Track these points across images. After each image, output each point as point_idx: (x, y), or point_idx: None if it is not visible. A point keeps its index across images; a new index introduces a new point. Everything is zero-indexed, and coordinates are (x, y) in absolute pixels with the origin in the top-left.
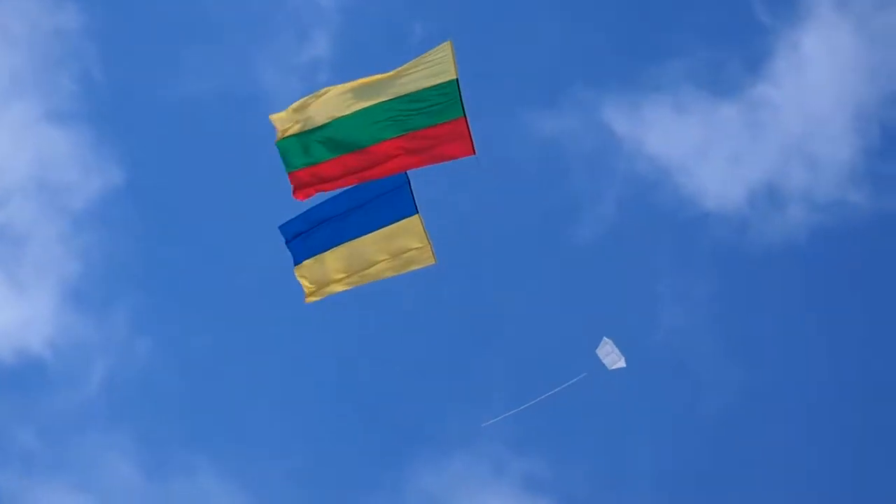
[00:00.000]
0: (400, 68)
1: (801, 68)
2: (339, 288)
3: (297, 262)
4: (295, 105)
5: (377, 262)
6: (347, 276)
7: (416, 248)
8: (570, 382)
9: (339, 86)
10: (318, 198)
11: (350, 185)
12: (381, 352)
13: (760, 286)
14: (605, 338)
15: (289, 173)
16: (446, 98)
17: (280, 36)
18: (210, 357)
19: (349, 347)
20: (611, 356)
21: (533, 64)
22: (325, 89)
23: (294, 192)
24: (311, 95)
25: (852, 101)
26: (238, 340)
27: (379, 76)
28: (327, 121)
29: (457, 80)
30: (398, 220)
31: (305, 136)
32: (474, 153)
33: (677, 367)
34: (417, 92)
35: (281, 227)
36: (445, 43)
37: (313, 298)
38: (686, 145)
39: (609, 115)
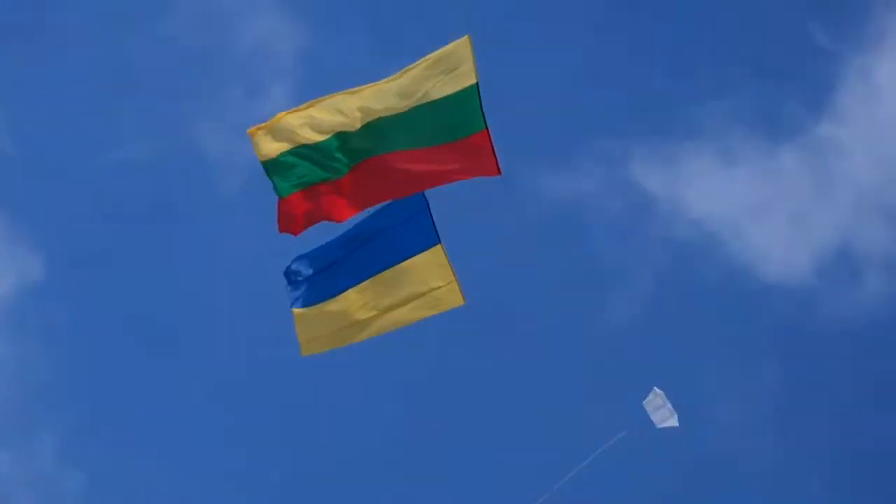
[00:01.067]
0: (410, 70)
1: (874, 102)
2: (347, 340)
3: (295, 306)
4: (280, 115)
5: (394, 307)
6: (358, 326)
7: (441, 287)
8: (609, 443)
9: (338, 94)
10: (324, 233)
11: (353, 214)
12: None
13: (834, 372)
14: (655, 388)
15: (279, 200)
16: (465, 108)
17: (227, 90)
18: (152, 490)
19: (302, 462)
20: (661, 411)
21: (541, 111)
22: (320, 99)
23: (283, 225)
24: (302, 105)
25: None
26: (185, 468)
27: (386, 82)
28: (326, 136)
29: (477, 84)
30: (417, 254)
31: (297, 152)
32: (499, 173)
33: (734, 470)
34: (431, 103)
35: (285, 272)
36: (463, 38)
37: (311, 351)
38: (736, 204)
39: (639, 170)
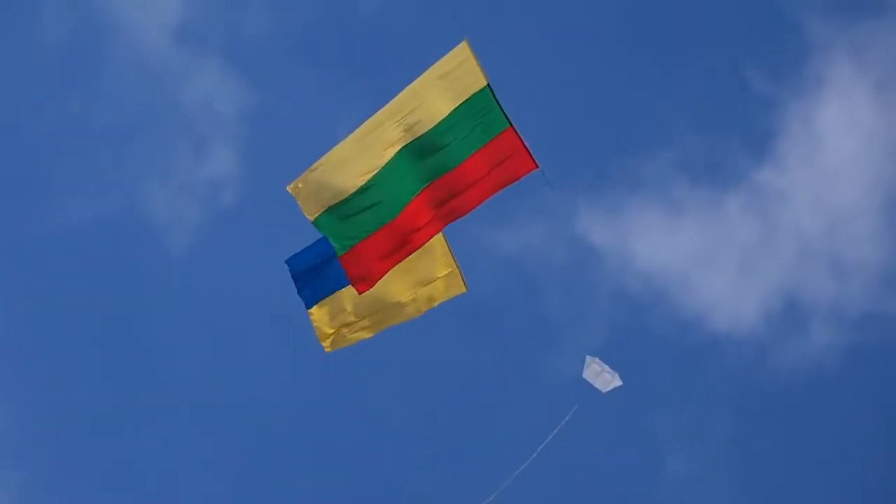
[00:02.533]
0: (415, 88)
1: (816, 149)
2: (362, 335)
3: (308, 306)
4: (313, 168)
5: (401, 297)
6: (369, 319)
7: (444, 276)
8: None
9: (358, 132)
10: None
11: (411, 253)
12: None
13: (783, 422)
14: (588, 357)
15: (340, 258)
16: (484, 111)
17: (172, 150)
18: None
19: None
20: (602, 376)
21: None
22: (340, 145)
23: (357, 284)
24: (326, 156)
25: (879, 187)
26: None
27: (396, 107)
28: (361, 183)
29: (489, 86)
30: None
31: (340, 208)
32: (537, 166)
33: None
34: (449, 116)
35: (288, 261)
36: (461, 45)
37: (334, 347)
38: (683, 255)
39: (583, 223)
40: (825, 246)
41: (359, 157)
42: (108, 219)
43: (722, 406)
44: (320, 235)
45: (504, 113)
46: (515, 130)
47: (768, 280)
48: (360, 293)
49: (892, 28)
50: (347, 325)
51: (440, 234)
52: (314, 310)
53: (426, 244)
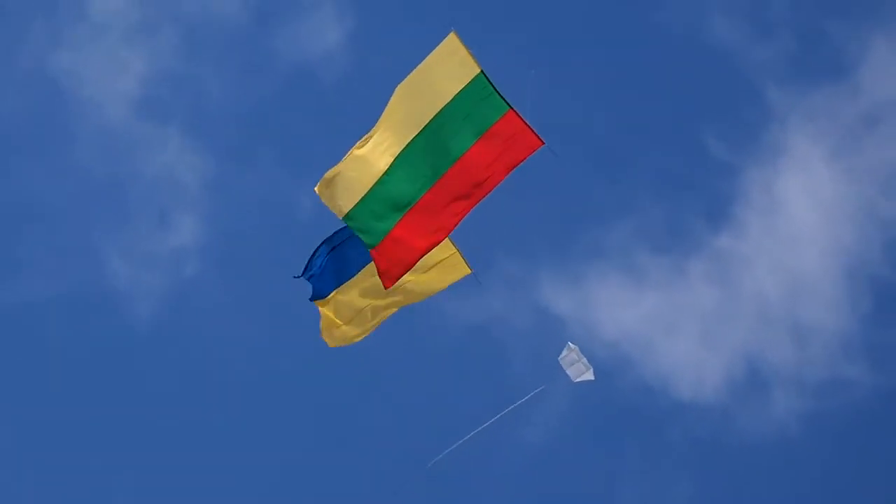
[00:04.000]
0: (412, 84)
1: (774, 215)
2: (367, 327)
3: (316, 298)
4: (335, 170)
5: (405, 283)
6: (372, 309)
7: (445, 258)
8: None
9: (371, 133)
10: (332, 225)
11: (435, 245)
12: None
13: (746, 487)
14: (570, 343)
15: (371, 251)
16: (481, 98)
17: (135, 223)
18: None
19: None
20: (576, 366)
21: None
22: (357, 145)
23: (385, 279)
24: (346, 156)
25: (838, 252)
26: None
27: (396, 105)
28: (377, 179)
29: (482, 73)
30: None
31: (364, 204)
32: (542, 143)
33: None
34: (447, 107)
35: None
36: (449, 36)
37: (337, 343)
38: (645, 322)
39: (546, 292)
40: (785, 312)
41: (373, 155)
42: (70, 292)
43: (686, 471)
44: (316, 249)
45: (502, 97)
46: (516, 112)
47: (730, 346)
48: (386, 288)
49: (849, 94)
50: (356, 313)
51: None
52: (323, 302)
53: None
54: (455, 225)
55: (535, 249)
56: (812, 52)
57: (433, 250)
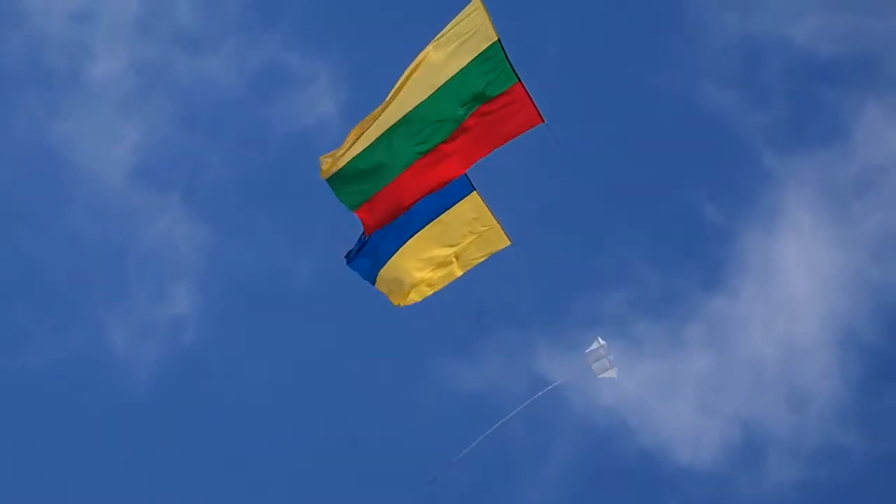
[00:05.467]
0: (432, 47)
1: (769, 279)
2: (424, 292)
3: (371, 278)
4: (347, 139)
5: (448, 256)
6: (426, 279)
7: (485, 230)
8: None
9: (385, 103)
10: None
11: (423, 197)
12: None
13: None
14: (599, 338)
15: (356, 211)
16: (493, 67)
17: (132, 291)
18: None
19: None
20: (602, 361)
21: (442, 303)
22: (371, 116)
23: (368, 231)
24: (358, 125)
25: (832, 318)
26: None
27: (413, 69)
28: (371, 141)
29: (499, 41)
30: (455, 203)
31: (352, 166)
32: (543, 121)
33: None
34: (459, 73)
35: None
36: (474, 2)
37: (406, 301)
38: (643, 389)
39: (542, 360)
40: (781, 377)
41: (384, 115)
42: (68, 361)
43: None
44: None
45: (513, 68)
46: (524, 85)
47: (727, 412)
48: (367, 235)
49: (842, 159)
50: (411, 284)
51: (476, 194)
52: (377, 279)
53: (461, 202)
54: (442, 185)
55: (531, 318)
56: (805, 118)
57: (471, 221)
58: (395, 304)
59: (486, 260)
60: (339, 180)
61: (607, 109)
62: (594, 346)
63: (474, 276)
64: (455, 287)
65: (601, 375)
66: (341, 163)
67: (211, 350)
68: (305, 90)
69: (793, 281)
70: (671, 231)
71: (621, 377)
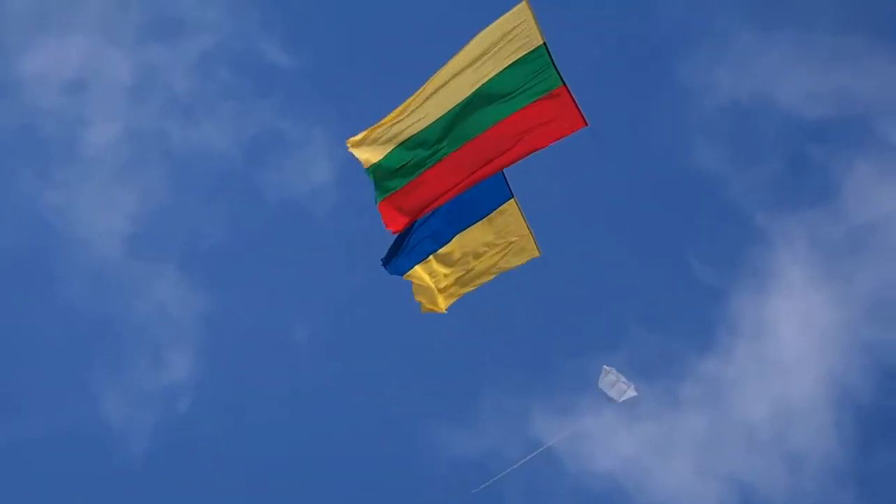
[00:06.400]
0: (476, 45)
1: (761, 339)
2: (450, 298)
3: (404, 273)
4: (373, 127)
5: (480, 264)
6: (453, 285)
7: (517, 239)
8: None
9: (419, 92)
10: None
11: (449, 199)
12: None
13: None
14: (605, 367)
15: (378, 204)
16: (538, 69)
17: (128, 360)
18: None
19: None
20: (618, 386)
21: (437, 367)
22: (405, 104)
23: (388, 224)
24: (391, 114)
25: (826, 377)
26: None
27: (457, 63)
28: (413, 133)
29: (545, 44)
30: (494, 209)
31: (392, 157)
32: (586, 124)
33: None
34: (503, 72)
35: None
36: (521, 4)
37: (437, 308)
38: (638, 453)
39: (539, 425)
40: (775, 438)
41: (420, 110)
42: (64, 431)
43: None
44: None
45: (558, 72)
46: (568, 89)
47: (723, 473)
48: (393, 233)
49: (833, 217)
50: (443, 286)
51: (514, 201)
52: (411, 275)
53: (499, 209)
54: (472, 185)
55: (526, 382)
56: (796, 177)
57: (506, 229)
58: (426, 310)
59: (478, 325)
60: (378, 170)
61: (598, 170)
62: (602, 375)
63: (469, 338)
64: (450, 350)
65: (622, 399)
66: (379, 153)
67: (207, 417)
68: (299, 155)
69: (786, 340)
70: (664, 291)
71: (616, 439)
